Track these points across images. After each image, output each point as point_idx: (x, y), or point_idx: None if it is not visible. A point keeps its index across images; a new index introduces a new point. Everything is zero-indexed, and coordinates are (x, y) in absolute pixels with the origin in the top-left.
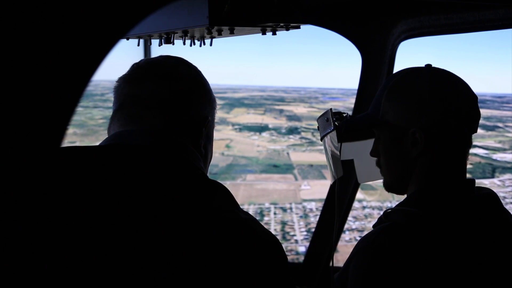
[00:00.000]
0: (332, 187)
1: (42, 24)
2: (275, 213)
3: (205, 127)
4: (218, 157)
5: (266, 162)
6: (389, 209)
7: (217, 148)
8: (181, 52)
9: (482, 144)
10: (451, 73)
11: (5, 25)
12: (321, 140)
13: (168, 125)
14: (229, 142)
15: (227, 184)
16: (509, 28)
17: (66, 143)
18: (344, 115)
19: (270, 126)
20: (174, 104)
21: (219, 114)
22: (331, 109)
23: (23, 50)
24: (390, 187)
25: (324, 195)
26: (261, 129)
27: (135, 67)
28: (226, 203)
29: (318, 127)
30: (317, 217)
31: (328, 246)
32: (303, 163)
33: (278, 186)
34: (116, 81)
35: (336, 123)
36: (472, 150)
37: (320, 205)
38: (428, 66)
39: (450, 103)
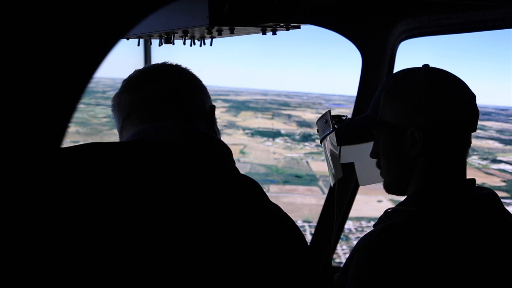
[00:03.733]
0: (331, 188)
1: (43, 24)
2: (311, 234)
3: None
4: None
5: (286, 171)
6: (389, 208)
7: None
8: (181, 52)
9: (508, 159)
10: (449, 72)
11: (5, 25)
12: (321, 142)
13: (188, 116)
14: (243, 147)
15: None
16: (509, 28)
17: (69, 142)
18: (343, 117)
19: (282, 131)
20: (183, 95)
21: (226, 117)
22: (329, 110)
23: (23, 49)
24: (390, 188)
25: (357, 213)
26: (273, 134)
27: (130, 77)
28: (257, 196)
29: (317, 129)
30: (359, 239)
31: (328, 246)
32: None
33: (306, 200)
34: (112, 99)
35: (335, 126)
36: (498, 166)
37: (358, 224)
38: (426, 66)
39: (448, 101)
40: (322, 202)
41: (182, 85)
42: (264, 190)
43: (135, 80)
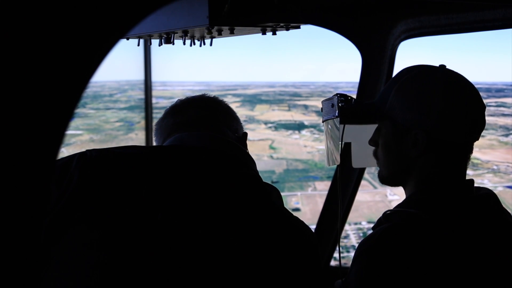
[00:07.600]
0: (333, 186)
1: (42, 24)
2: None
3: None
4: (269, 161)
5: (326, 165)
6: (388, 210)
7: (261, 150)
8: (181, 51)
9: None
10: (464, 78)
11: (5, 25)
12: (323, 122)
13: (221, 133)
14: (271, 143)
15: (299, 195)
16: (509, 28)
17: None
18: (349, 98)
19: (306, 123)
20: (219, 121)
21: (243, 111)
22: (337, 95)
23: (22, 49)
24: (384, 180)
25: None
26: (298, 127)
27: (172, 106)
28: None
29: (321, 109)
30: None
31: (328, 245)
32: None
33: (359, 196)
34: (155, 124)
35: (340, 104)
36: None
37: None
38: (442, 67)
39: (458, 111)
40: (377, 198)
41: (218, 112)
42: (310, 188)
43: (176, 108)
